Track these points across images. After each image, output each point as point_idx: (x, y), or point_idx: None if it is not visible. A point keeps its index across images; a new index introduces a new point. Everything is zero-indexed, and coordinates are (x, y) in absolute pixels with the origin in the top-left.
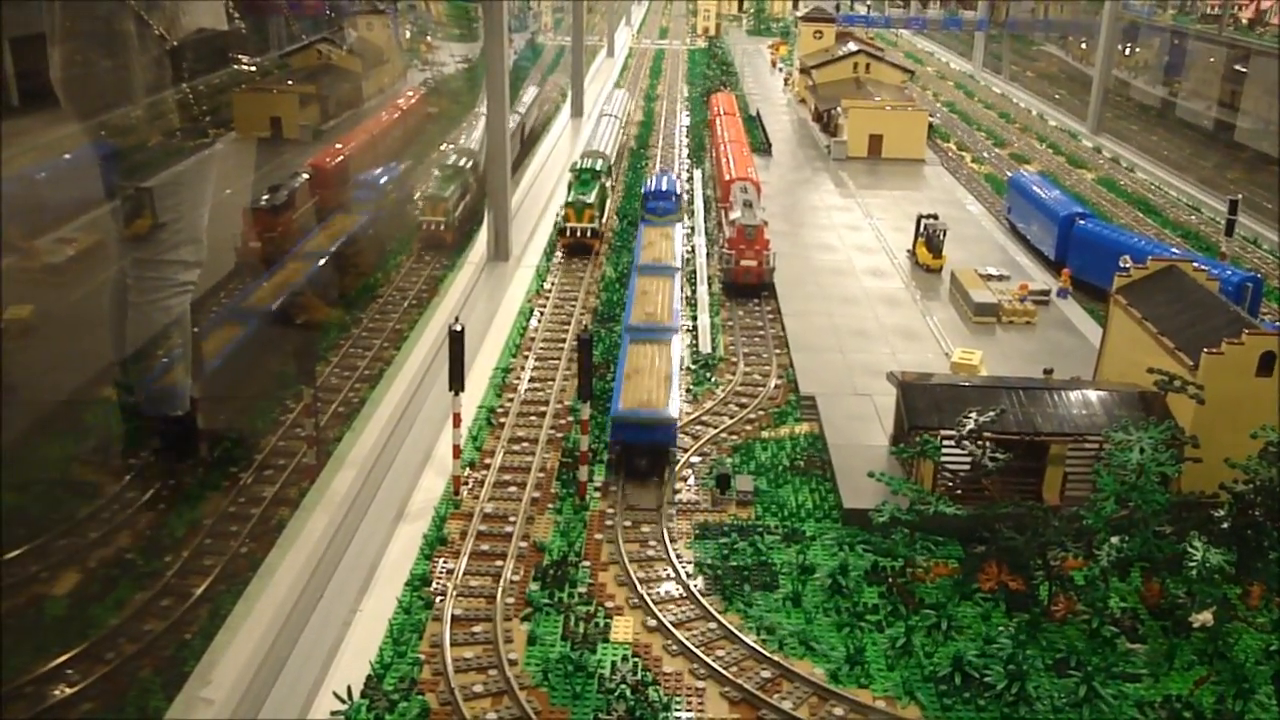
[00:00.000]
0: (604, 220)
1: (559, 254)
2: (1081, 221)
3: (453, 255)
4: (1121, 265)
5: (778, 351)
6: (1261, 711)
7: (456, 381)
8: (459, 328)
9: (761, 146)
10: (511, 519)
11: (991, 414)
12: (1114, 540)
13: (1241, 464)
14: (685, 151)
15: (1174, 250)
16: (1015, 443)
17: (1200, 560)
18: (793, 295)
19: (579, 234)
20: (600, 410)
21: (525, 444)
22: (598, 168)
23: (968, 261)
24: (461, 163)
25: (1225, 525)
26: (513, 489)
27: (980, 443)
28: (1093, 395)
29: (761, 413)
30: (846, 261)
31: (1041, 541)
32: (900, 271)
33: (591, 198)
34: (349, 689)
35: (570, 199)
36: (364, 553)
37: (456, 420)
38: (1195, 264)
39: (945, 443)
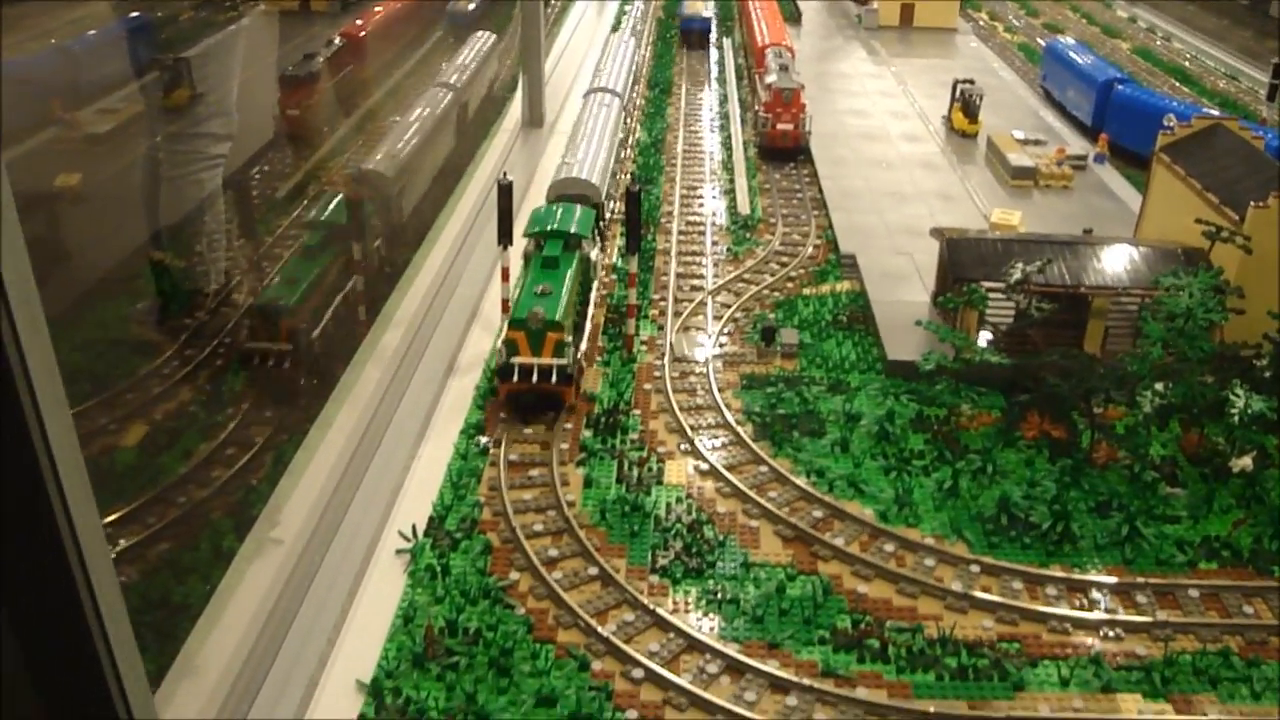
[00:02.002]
0: (582, 349)
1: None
2: (1120, 87)
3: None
4: (1165, 124)
5: (815, 213)
6: None
7: (505, 235)
8: (507, 180)
9: (792, 16)
10: None
11: (1038, 264)
12: (1157, 386)
13: None
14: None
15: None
16: (1059, 296)
17: (1242, 407)
18: (828, 159)
19: (533, 380)
20: (644, 269)
21: None
22: (574, 226)
23: (1003, 127)
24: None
25: (1267, 374)
26: None
27: (1026, 293)
28: (1134, 251)
29: (802, 271)
30: (880, 127)
31: (1085, 388)
32: (935, 137)
33: (561, 306)
34: (413, 528)
35: (517, 309)
36: (418, 404)
37: (505, 275)
38: (1240, 124)
39: (990, 295)
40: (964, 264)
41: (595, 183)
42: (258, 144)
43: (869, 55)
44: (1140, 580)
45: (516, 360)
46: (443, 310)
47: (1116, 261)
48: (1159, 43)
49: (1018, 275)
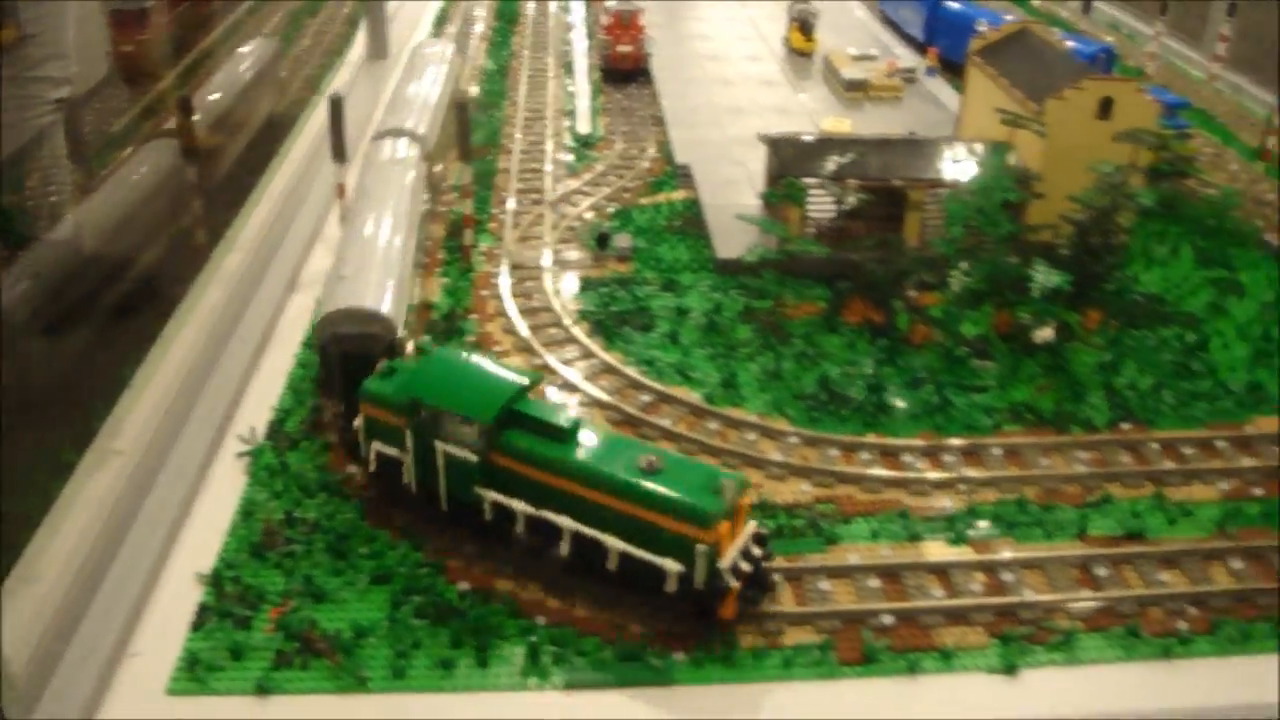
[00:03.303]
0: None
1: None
2: (947, 3)
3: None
4: (977, 29)
5: (655, 129)
6: (1092, 411)
7: (339, 152)
8: (338, 96)
9: None
10: None
11: (851, 156)
12: (963, 265)
13: (1080, 197)
14: None
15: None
16: (876, 189)
17: (1041, 283)
18: (671, 79)
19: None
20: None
21: None
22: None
23: (842, 47)
24: None
25: (1065, 253)
26: None
27: (842, 186)
28: (948, 148)
29: (639, 182)
30: (724, 49)
31: (897, 270)
32: (775, 57)
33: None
34: (252, 430)
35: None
36: (260, 318)
37: (340, 191)
38: (1047, 27)
39: (812, 192)
40: (786, 161)
41: (387, 313)
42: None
43: None
44: (948, 443)
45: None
46: (285, 231)
47: (930, 157)
48: None
49: (832, 168)
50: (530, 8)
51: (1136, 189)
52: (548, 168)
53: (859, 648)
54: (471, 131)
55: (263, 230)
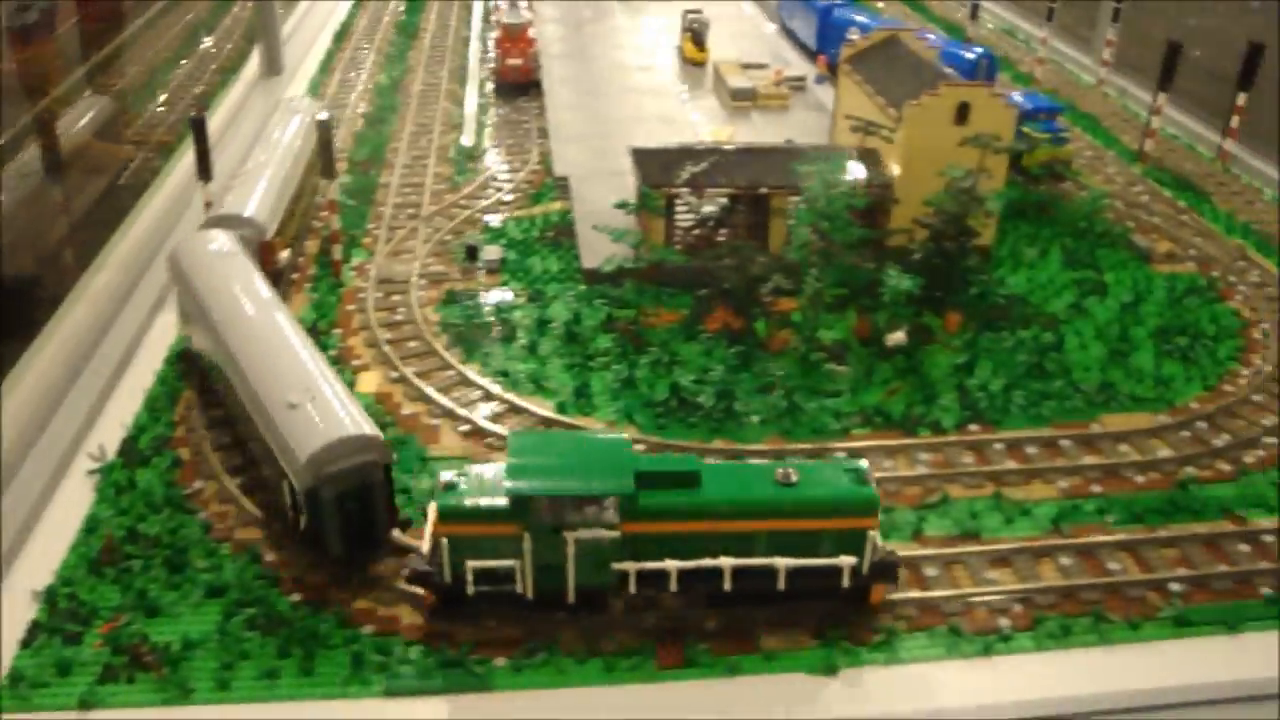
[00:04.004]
0: None
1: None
2: (837, 11)
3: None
4: (848, 36)
5: (540, 141)
6: (942, 412)
7: (204, 171)
8: (200, 117)
9: None
10: None
11: (704, 165)
12: (813, 271)
13: (933, 200)
14: None
15: (930, 35)
16: (743, 197)
17: (892, 286)
18: (563, 90)
19: None
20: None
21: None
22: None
23: (739, 57)
24: None
25: (917, 256)
26: None
27: (699, 195)
28: (818, 155)
29: (517, 195)
30: (621, 60)
31: (752, 277)
32: (669, 68)
33: None
34: (100, 448)
35: None
36: (123, 338)
37: (207, 207)
38: (916, 34)
39: (680, 202)
40: (649, 171)
41: (373, 432)
42: None
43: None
44: (794, 447)
45: None
46: (156, 251)
47: (797, 164)
48: None
49: (685, 176)
50: (432, 21)
51: (986, 193)
52: (429, 182)
53: (680, 653)
54: (333, 149)
55: (134, 250)
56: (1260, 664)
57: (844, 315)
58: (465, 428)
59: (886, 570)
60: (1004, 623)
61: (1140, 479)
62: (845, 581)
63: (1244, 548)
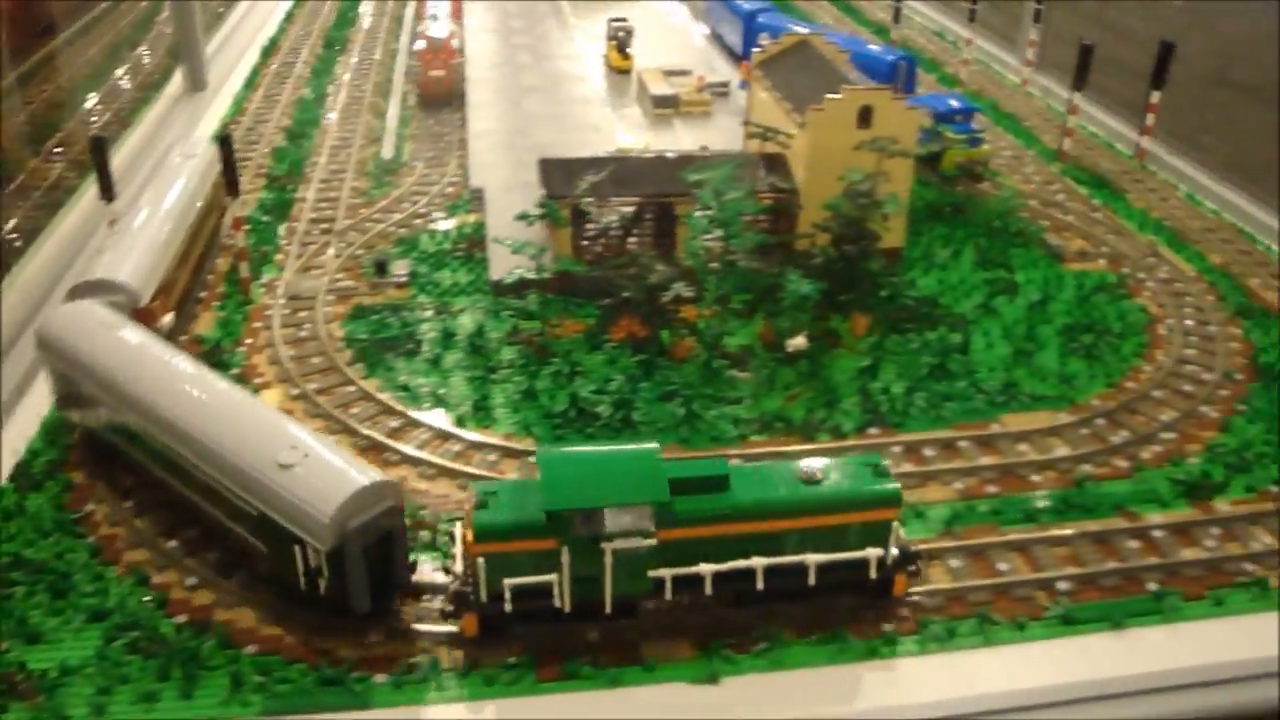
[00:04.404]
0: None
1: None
2: (761, 17)
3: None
4: (759, 42)
5: (460, 154)
6: (843, 417)
7: (105, 191)
8: (100, 138)
9: None
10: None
11: (601, 175)
12: (711, 278)
13: (832, 204)
14: None
15: (843, 39)
16: (649, 206)
17: (793, 290)
18: (488, 103)
19: None
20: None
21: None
22: None
23: (666, 65)
24: None
25: (819, 260)
26: None
27: (600, 205)
28: (707, 163)
29: (432, 207)
30: (551, 72)
31: (650, 285)
32: (597, 76)
33: None
34: None
35: None
36: (23, 360)
37: (110, 224)
38: (826, 38)
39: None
40: (553, 182)
41: (382, 477)
42: None
43: (557, 13)
44: (689, 456)
45: None
46: (64, 272)
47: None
48: None
49: (585, 186)
50: (361, 35)
51: (885, 196)
52: (344, 196)
53: (561, 666)
54: (235, 167)
55: (42, 271)
56: (1146, 659)
57: (751, 321)
58: (363, 443)
59: (908, 559)
60: (888, 627)
61: (1037, 478)
62: (873, 573)
63: (1134, 544)
